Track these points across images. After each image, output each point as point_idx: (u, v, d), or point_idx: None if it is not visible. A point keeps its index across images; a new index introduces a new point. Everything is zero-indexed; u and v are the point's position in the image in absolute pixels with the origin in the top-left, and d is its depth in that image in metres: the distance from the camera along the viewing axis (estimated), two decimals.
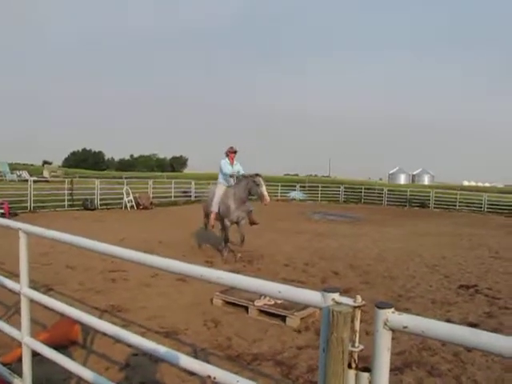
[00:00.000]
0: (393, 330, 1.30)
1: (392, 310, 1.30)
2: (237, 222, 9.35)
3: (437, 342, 4.71)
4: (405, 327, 1.27)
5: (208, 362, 3.71)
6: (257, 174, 8.92)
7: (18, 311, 4.82)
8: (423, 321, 1.29)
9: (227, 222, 9.29)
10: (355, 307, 1.33)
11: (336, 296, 1.38)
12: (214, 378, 1.75)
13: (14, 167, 41.68)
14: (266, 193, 8.81)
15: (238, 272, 6.84)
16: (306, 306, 5.40)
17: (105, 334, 4.46)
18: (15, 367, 3.46)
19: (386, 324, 1.29)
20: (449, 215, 25.07)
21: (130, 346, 4.19)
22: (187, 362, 1.98)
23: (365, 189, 33.76)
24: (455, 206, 29.09)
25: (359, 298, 1.34)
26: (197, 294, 6.35)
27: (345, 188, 33.74)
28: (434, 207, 29.10)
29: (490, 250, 11.73)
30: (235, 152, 9.51)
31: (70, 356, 3.45)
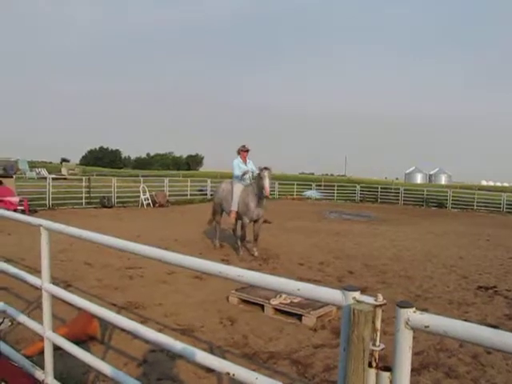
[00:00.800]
0: (414, 330, 1.29)
1: (413, 309, 1.29)
2: (255, 221, 9.37)
3: (454, 343, 4.67)
4: (426, 327, 1.27)
5: (224, 359, 3.74)
6: (265, 168, 8.92)
7: (38, 306, 4.91)
8: (445, 320, 1.28)
9: (246, 220, 9.32)
10: (376, 306, 1.33)
11: (357, 294, 1.38)
12: (233, 375, 1.77)
13: (32, 165, 42.31)
14: (267, 185, 8.84)
15: (254, 271, 6.86)
16: (322, 305, 5.40)
17: (123, 330, 4.55)
18: (37, 360, 3.52)
19: (407, 323, 1.28)
20: (466, 215, 24.73)
21: (147, 341, 4.26)
22: (206, 358, 2.00)
23: (381, 188, 33.50)
24: (473, 205, 28.68)
25: (380, 296, 1.34)
26: (213, 292, 6.38)
27: (361, 187, 33.53)
28: (452, 207, 28.74)
29: (509, 250, 11.53)
30: (247, 150, 9.49)
31: (88, 351, 3.50)
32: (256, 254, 9.24)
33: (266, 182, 8.82)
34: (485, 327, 1.25)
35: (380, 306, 1.33)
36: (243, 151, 9.46)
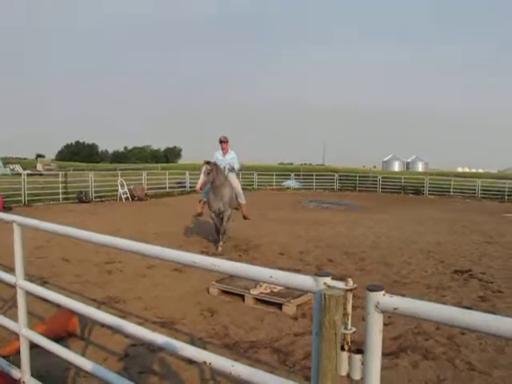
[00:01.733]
0: (384, 312, 1.32)
1: (383, 292, 1.32)
2: (220, 215, 9.37)
3: (431, 326, 4.78)
4: (395, 309, 1.30)
5: (205, 350, 3.75)
6: (206, 162, 8.81)
7: (14, 305, 4.84)
8: (414, 302, 1.31)
9: (210, 213, 9.35)
10: (347, 290, 1.35)
11: (328, 280, 1.40)
12: (210, 364, 1.78)
13: (6, 161, 41.42)
14: (200, 180, 8.74)
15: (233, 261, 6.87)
16: (301, 294, 5.45)
17: (103, 325, 4.52)
18: (13, 360, 3.47)
19: (377, 306, 1.31)
20: (443, 201, 25.19)
21: (127, 336, 4.25)
22: (183, 348, 2.00)
23: (359, 176, 33.80)
24: (449, 192, 29.23)
25: (350, 281, 1.36)
26: (193, 284, 6.38)
27: (339, 176, 33.80)
28: (429, 194, 29.22)
29: (484, 235, 11.82)
30: (224, 141, 9.38)
31: (68, 347, 3.46)
32: (219, 249, 9.05)
33: (200, 177, 8.73)
34: (452, 307, 1.28)
35: (351, 290, 1.35)
36: (221, 142, 9.40)
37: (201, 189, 8.84)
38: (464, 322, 1.21)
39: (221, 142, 9.36)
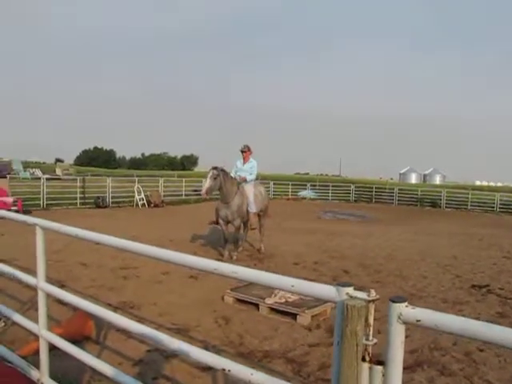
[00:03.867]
0: (406, 324, 1.32)
1: (406, 304, 1.32)
2: (229, 223, 9.33)
3: (448, 341, 4.71)
4: (418, 321, 1.29)
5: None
6: (213, 168, 8.76)
7: (33, 306, 4.90)
8: (436, 315, 1.30)
9: (219, 220, 9.29)
10: (369, 301, 1.35)
11: (350, 290, 1.40)
12: (229, 371, 1.78)
13: (26, 165, 42.14)
14: (205, 185, 8.74)
15: None
16: (316, 304, 5.42)
17: (118, 330, 4.55)
18: (31, 360, 3.52)
19: (399, 318, 1.31)
20: (460, 215, 24.86)
21: (142, 341, 4.28)
22: (200, 354, 2.01)
23: (376, 188, 33.61)
24: (467, 205, 28.85)
25: (373, 292, 1.36)
26: (208, 292, 6.39)
27: (355, 187, 33.62)
28: (446, 207, 28.90)
29: (502, 250, 11.62)
30: (244, 151, 9.42)
31: (83, 350, 3.49)
32: (234, 257, 9.03)
33: (206, 182, 8.69)
34: (474, 321, 1.27)
35: (373, 301, 1.35)
36: (242, 151, 9.43)
37: (206, 193, 8.73)
38: (486, 335, 1.20)
39: (242, 151, 9.40)
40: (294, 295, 5.71)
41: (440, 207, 28.93)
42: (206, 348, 4.44)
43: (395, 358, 1.32)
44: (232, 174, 9.28)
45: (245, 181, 9.24)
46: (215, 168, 8.71)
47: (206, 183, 8.64)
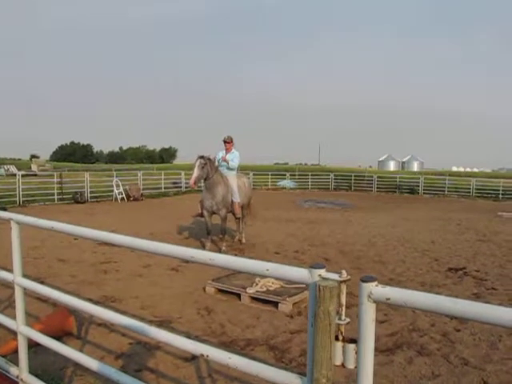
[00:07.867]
0: (376, 302, 1.35)
1: (375, 283, 1.35)
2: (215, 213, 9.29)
3: (426, 323, 4.84)
4: (388, 299, 1.33)
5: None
6: (199, 156, 8.67)
7: (10, 305, 4.84)
8: (404, 292, 1.34)
9: (203, 211, 9.23)
10: (341, 281, 1.38)
11: (322, 272, 1.43)
12: (207, 356, 1.81)
13: (1, 162, 41.24)
14: (193, 175, 8.60)
15: None
16: (297, 292, 5.49)
17: (99, 325, 4.54)
18: (11, 359, 3.48)
19: (369, 296, 1.34)
20: (438, 200, 25.33)
21: (125, 334, 4.27)
22: (181, 342, 2.03)
23: (355, 176, 33.89)
24: (444, 191, 29.38)
25: (344, 272, 1.39)
26: (189, 283, 6.40)
27: (335, 176, 33.85)
28: (424, 193, 29.34)
29: (478, 233, 11.90)
30: (228, 142, 9.37)
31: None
32: (223, 248, 9.05)
33: (194, 171, 8.59)
34: (441, 296, 1.32)
35: (344, 281, 1.38)
36: (225, 142, 9.39)
37: (194, 183, 8.60)
38: (452, 309, 1.25)
39: (224, 142, 9.36)
40: (274, 284, 5.77)
41: (418, 193, 29.38)
42: (189, 339, 4.45)
43: (367, 336, 1.36)
44: (215, 164, 9.26)
45: (227, 163, 9.21)
46: (202, 157, 8.62)
47: (194, 173, 8.53)
